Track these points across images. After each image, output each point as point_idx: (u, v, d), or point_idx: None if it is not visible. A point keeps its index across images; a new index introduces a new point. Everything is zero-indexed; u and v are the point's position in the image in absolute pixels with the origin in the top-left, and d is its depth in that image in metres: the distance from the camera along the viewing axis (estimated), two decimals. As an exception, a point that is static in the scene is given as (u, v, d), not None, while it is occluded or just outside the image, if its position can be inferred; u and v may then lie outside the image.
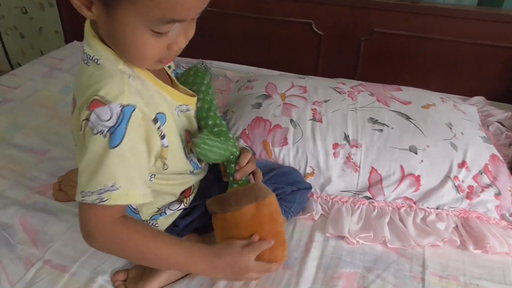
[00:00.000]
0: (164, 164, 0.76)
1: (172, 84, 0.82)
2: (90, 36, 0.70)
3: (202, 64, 1.68)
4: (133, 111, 0.65)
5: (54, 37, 2.27)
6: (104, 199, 0.66)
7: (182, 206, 0.87)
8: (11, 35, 2.38)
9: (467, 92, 1.43)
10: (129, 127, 0.65)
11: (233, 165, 0.86)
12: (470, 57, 1.44)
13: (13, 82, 1.51)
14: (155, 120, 0.70)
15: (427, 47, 1.46)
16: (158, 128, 0.71)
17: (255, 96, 1.18)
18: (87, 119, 0.65)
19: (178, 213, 0.87)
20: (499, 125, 1.25)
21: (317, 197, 1.03)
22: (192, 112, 0.84)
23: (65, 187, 1.04)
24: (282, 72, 1.47)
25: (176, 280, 0.85)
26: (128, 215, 0.75)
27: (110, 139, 0.64)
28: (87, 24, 0.71)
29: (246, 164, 0.85)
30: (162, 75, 0.79)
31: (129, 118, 0.65)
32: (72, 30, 1.84)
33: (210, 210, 0.83)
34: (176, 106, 0.79)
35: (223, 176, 0.88)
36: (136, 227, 0.72)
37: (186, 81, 0.86)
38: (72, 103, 0.76)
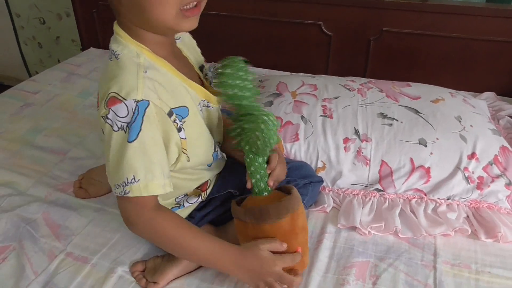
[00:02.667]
0: (187, 156, 0.79)
1: (201, 83, 0.85)
2: (118, 32, 0.75)
3: (215, 67, 1.71)
4: (147, 105, 0.69)
5: (70, 46, 2.35)
6: (126, 192, 0.71)
7: (200, 199, 0.90)
8: (29, 45, 2.46)
9: (479, 89, 1.44)
10: (145, 121, 0.69)
11: (263, 171, 0.82)
12: (481, 53, 1.45)
13: (33, 87, 1.57)
14: (169, 114, 0.73)
15: (437, 45, 1.48)
16: (174, 121, 0.74)
17: (267, 95, 1.21)
18: (105, 116, 0.69)
19: (195, 205, 0.90)
20: (510, 118, 1.26)
21: (329, 191, 1.05)
22: (213, 110, 0.86)
23: (85, 185, 1.08)
24: (294, 73, 1.50)
25: (191, 271, 0.88)
26: (165, 207, 0.80)
27: (129, 134, 0.69)
28: (115, 25, 0.76)
29: (276, 168, 0.84)
30: (188, 71, 0.82)
31: (144, 112, 0.69)
32: (89, 38, 1.90)
33: (241, 219, 0.80)
34: (200, 101, 0.82)
35: (247, 185, 0.84)
36: (172, 218, 0.77)
37: (232, 74, 0.77)
38: (97, 101, 0.80)
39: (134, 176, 0.70)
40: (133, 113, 0.68)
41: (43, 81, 1.61)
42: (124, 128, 0.69)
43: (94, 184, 1.07)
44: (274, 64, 1.63)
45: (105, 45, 1.86)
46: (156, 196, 0.77)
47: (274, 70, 1.62)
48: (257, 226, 0.78)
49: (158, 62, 0.75)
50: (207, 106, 0.84)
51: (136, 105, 0.68)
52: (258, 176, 0.81)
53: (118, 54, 0.73)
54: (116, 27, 0.76)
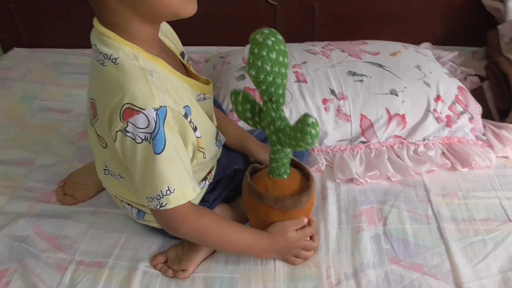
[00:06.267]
0: (204, 153, 0.78)
1: (188, 74, 0.82)
2: (104, 33, 0.67)
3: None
4: (166, 112, 0.65)
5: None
6: (163, 204, 0.69)
7: (207, 182, 0.88)
8: None
9: (416, 40, 1.57)
10: (166, 129, 0.66)
11: (286, 160, 0.80)
12: (416, 10, 1.58)
13: (-36, 100, 1.39)
14: (185, 115, 0.70)
15: (377, 5, 1.58)
16: (190, 121, 0.71)
17: (236, 69, 1.21)
18: (124, 130, 0.64)
19: (204, 190, 0.89)
20: (452, 63, 1.40)
21: (318, 151, 1.10)
22: (209, 100, 0.84)
23: (70, 191, 1.01)
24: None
25: (213, 252, 0.88)
26: (202, 206, 0.80)
27: (154, 145, 0.65)
28: (96, 23, 0.69)
29: None
30: (175, 63, 0.78)
31: (164, 120, 0.65)
32: (10, 38, 1.72)
33: (269, 205, 0.80)
34: (196, 95, 0.79)
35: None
36: (213, 217, 0.79)
37: (277, 60, 0.69)
38: (89, 106, 0.74)
39: (168, 187, 0.68)
40: (155, 122, 0.64)
41: (-28, 91, 1.44)
42: (148, 139, 0.65)
43: (80, 188, 1.01)
44: (223, 40, 1.62)
45: (31, 44, 1.70)
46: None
47: (223, 46, 1.61)
48: (286, 212, 0.81)
49: (156, 62, 0.70)
50: (204, 99, 0.82)
51: (156, 113, 0.64)
52: (281, 164, 0.80)
53: (116, 59, 0.66)
54: (100, 27, 0.68)
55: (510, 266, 0.83)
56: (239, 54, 1.28)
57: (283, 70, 0.71)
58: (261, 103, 0.78)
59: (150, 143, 0.65)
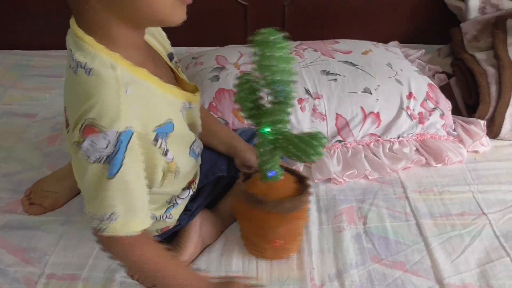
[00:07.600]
0: (176, 172, 0.73)
1: (176, 79, 0.77)
2: (81, 37, 0.62)
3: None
4: (131, 136, 0.60)
5: None
6: (103, 228, 0.64)
7: (191, 192, 0.84)
8: None
9: (383, 39, 1.59)
10: (127, 153, 0.60)
11: (278, 165, 0.79)
12: (382, 6, 1.60)
13: None
14: (155, 140, 0.65)
15: (344, 2, 1.59)
16: (160, 146, 0.66)
17: (209, 70, 1.19)
18: (79, 144, 0.59)
19: (187, 200, 0.85)
20: (420, 61, 1.43)
21: (295, 151, 1.09)
22: (195, 108, 0.78)
23: (38, 199, 0.96)
24: (226, 46, 1.48)
25: (194, 259, 0.86)
26: (147, 234, 0.71)
27: (109, 168, 0.60)
28: (73, 25, 0.63)
29: None
30: (161, 68, 0.73)
31: (127, 144, 0.60)
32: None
33: (270, 211, 0.78)
34: (181, 105, 0.74)
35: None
36: (151, 248, 0.70)
37: (281, 57, 0.69)
38: (64, 113, 0.70)
39: (112, 213, 0.63)
40: (115, 144, 0.59)
41: None
42: (103, 161, 0.60)
43: (49, 196, 0.96)
44: (192, 40, 1.59)
45: None
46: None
47: (193, 47, 1.58)
48: (286, 215, 0.79)
49: (136, 73, 0.65)
50: (189, 108, 0.76)
51: (119, 135, 0.59)
52: (272, 164, 0.78)
53: (90, 69, 0.61)
54: (77, 29, 0.62)
55: (487, 259, 0.85)
56: (211, 55, 1.26)
57: (292, 66, 0.71)
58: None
59: (103, 165, 0.60)
